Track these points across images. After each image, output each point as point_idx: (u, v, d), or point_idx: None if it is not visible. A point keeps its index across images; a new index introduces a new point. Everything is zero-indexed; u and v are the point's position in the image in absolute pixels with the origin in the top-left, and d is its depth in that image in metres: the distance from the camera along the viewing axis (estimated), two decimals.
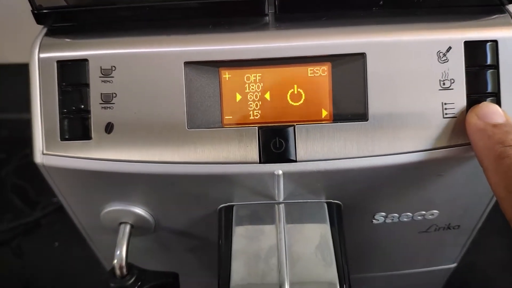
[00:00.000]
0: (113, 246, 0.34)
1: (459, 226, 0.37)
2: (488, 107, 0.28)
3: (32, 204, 0.67)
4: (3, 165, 0.71)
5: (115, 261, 0.33)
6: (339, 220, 0.32)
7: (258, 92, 0.30)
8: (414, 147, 0.29)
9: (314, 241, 0.30)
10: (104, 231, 0.36)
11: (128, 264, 0.33)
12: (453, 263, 0.43)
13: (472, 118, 0.28)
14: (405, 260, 0.42)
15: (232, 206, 0.33)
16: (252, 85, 0.30)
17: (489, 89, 0.29)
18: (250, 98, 0.30)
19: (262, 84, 0.30)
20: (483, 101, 0.29)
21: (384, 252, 0.40)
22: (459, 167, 0.31)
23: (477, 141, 0.28)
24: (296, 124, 0.30)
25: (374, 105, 0.29)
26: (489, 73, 0.29)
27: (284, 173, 0.30)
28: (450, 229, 0.37)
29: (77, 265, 0.59)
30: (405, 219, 0.35)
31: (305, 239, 0.30)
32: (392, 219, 0.35)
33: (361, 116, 0.29)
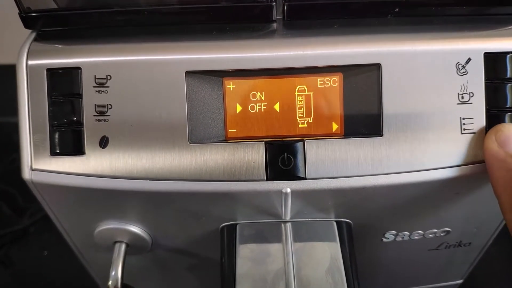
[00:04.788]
0: (108, 265, 0.32)
1: (470, 243, 0.35)
2: (509, 131, 0.26)
3: (20, 211, 0.64)
4: None
5: (110, 282, 0.31)
6: (350, 240, 0.30)
7: (264, 104, 0.28)
8: (431, 164, 0.27)
9: (324, 263, 0.28)
10: (98, 249, 0.34)
11: (124, 285, 0.31)
12: (460, 279, 0.42)
13: (492, 144, 0.26)
14: (413, 277, 0.40)
15: (235, 224, 0.31)
16: (258, 97, 0.28)
17: (509, 103, 0.28)
18: (256, 110, 0.28)
19: (268, 95, 0.28)
20: (502, 117, 0.28)
21: (392, 270, 0.39)
22: (476, 185, 0.29)
23: (494, 171, 0.26)
24: (306, 139, 0.28)
25: (389, 119, 0.27)
26: (509, 86, 0.28)
27: (292, 191, 0.28)
28: (461, 246, 0.36)
29: (67, 274, 0.57)
30: (416, 237, 0.33)
31: (314, 261, 0.28)
32: (403, 237, 0.33)
33: (375, 131, 0.27)
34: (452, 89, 0.27)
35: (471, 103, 0.27)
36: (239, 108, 0.28)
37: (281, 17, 0.29)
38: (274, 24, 0.29)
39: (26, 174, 0.28)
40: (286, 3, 0.28)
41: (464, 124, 0.27)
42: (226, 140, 0.28)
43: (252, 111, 0.28)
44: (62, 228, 0.33)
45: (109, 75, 0.27)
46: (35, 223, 0.62)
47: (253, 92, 0.28)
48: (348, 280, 0.27)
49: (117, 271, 0.31)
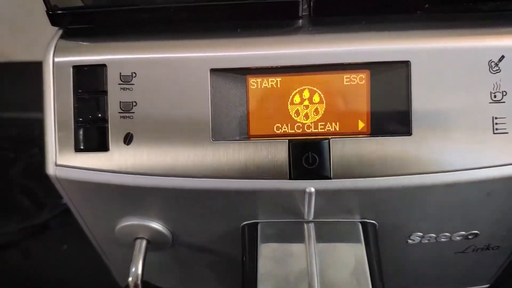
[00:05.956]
0: (128, 261, 0.32)
1: (498, 247, 0.34)
2: None
3: (40, 206, 0.65)
4: (11, 165, 0.69)
5: (130, 278, 0.31)
6: (375, 242, 0.29)
7: (288, 102, 0.27)
8: (462, 165, 0.26)
9: (348, 264, 0.28)
10: (119, 245, 0.34)
11: (144, 282, 0.31)
12: (487, 283, 0.41)
13: None
14: (438, 279, 0.39)
15: (257, 223, 0.30)
16: (282, 94, 0.27)
17: None
18: (280, 108, 0.28)
19: (292, 93, 0.27)
20: None
21: (416, 272, 0.38)
22: (509, 186, 0.28)
23: None
24: (331, 138, 0.27)
25: (418, 118, 0.27)
26: None
27: (316, 191, 0.27)
28: (489, 249, 0.34)
29: (86, 268, 0.57)
30: (442, 240, 0.32)
31: (338, 263, 0.28)
32: (429, 240, 0.32)
33: (404, 130, 0.27)
34: (484, 87, 0.26)
35: (504, 102, 0.26)
36: (262, 105, 0.28)
37: (307, 13, 0.28)
38: (300, 21, 0.29)
39: (51, 169, 0.28)
40: (312, 0, 0.28)
41: (496, 123, 0.26)
42: (248, 138, 0.28)
43: (275, 109, 0.28)
44: (83, 223, 0.33)
45: (134, 73, 0.27)
46: (55, 217, 0.63)
47: (277, 90, 0.27)
48: (374, 283, 0.27)
49: (137, 268, 0.31)
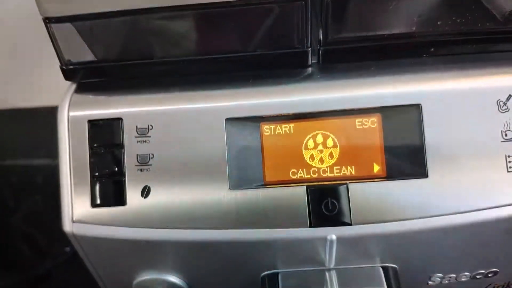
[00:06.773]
0: None
1: None
2: None
3: (42, 254, 0.63)
4: (12, 213, 0.68)
5: None
6: (397, 286, 0.29)
7: (302, 147, 0.28)
8: (478, 205, 0.27)
9: None
10: None
11: None
12: None
13: None
14: None
15: (277, 274, 0.30)
16: (295, 139, 0.28)
17: None
18: (295, 153, 0.28)
19: (306, 138, 0.28)
20: None
21: None
22: None
23: None
24: (349, 183, 0.27)
25: (433, 159, 0.27)
26: None
27: (338, 238, 0.27)
28: (510, 287, 0.34)
29: None
30: (463, 279, 0.32)
31: None
32: (449, 280, 0.32)
33: (420, 172, 0.27)
34: (494, 126, 0.27)
35: None
36: (277, 152, 0.28)
37: (316, 61, 0.29)
38: (310, 69, 0.29)
39: (67, 226, 0.28)
40: (321, 48, 0.28)
41: (509, 162, 0.27)
42: (264, 185, 0.28)
43: (291, 155, 0.28)
44: (99, 278, 0.33)
45: (150, 125, 0.27)
46: (58, 265, 0.61)
47: (290, 136, 0.28)
48: None
49: None
